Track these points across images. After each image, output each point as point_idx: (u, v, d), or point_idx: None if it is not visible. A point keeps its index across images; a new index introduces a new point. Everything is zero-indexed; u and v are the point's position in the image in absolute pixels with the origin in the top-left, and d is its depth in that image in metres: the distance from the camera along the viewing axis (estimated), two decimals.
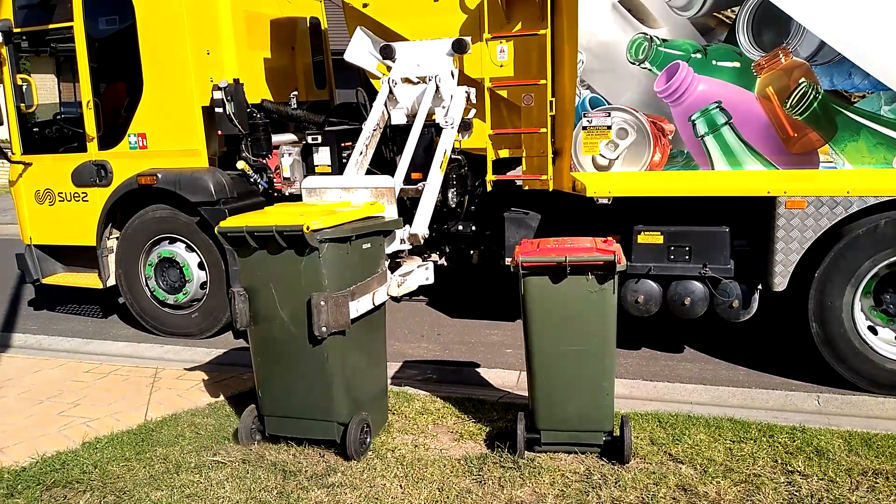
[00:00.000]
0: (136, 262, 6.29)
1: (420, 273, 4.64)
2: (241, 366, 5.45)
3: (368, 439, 3.82)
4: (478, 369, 5.24)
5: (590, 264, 3.51)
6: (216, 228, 3.76)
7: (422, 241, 4.45)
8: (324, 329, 3.51)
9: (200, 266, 6.10)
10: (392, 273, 4.37)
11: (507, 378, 5.00)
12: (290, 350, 3.70)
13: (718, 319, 4.92)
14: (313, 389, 3.70)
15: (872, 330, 4.65)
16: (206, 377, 5.12)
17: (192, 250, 6.10)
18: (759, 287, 4.82)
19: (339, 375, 3.69)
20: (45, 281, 6.84)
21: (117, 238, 6.40)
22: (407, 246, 4.48)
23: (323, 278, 3.55)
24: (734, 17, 4.46)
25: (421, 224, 4.45)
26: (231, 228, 3.66)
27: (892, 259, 4.45)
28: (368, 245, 3.93)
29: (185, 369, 5.31)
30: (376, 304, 3.94)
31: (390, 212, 4.30)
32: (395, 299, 4.45)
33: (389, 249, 4.34)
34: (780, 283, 4.61)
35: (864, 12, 4.23)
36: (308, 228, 3.45)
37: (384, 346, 4.23)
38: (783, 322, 5.67)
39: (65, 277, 6.85)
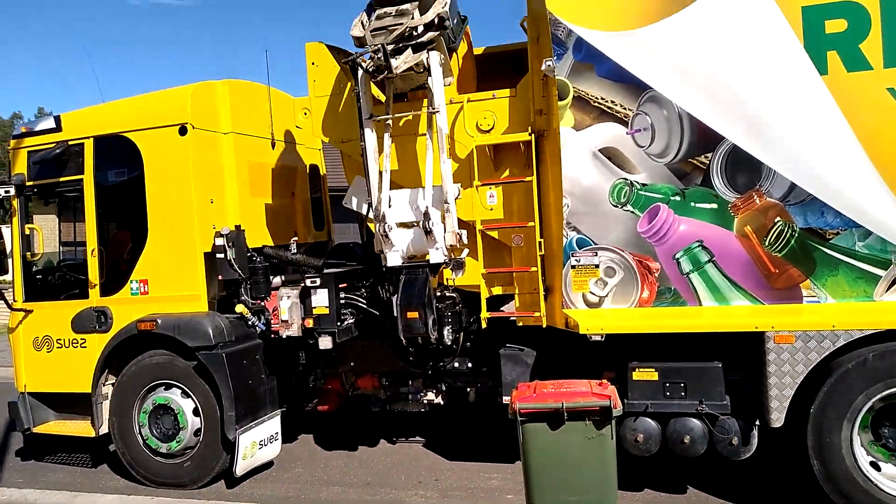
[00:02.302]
0: (130, 410, 6.22)
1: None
2: None
3: None
4: None
5: (587, 410, 3.54)
6: None
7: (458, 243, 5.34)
8: None
9: (195, 412, 6.04)
10: None
11: None
12: None
13: (720, 457, 4.85)
14: None
15: (875, 466, 4.57)
16: None
17: (188, 396, 6.07)
18: (757, 423, 4.79)
19: None
20: (36, 430, 6.72)
21: (113, 384, 6.38)
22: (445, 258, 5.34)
23: None
24: (708, 162, 4.75)
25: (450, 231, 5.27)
26: None
27: (885, 393, 4.47)
28: None
29: None
30: None
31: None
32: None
33: (434, 261, 5.35)
34: (777, 418, 4.59)
35: (830, 155, 4.50)
36: None
37: None
38: (786, 458, 5.57)
39: (57, 426, 6.74)
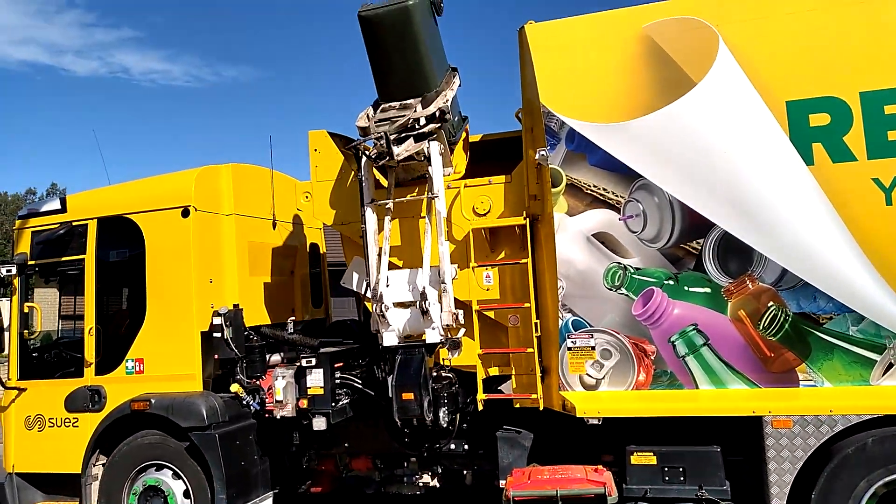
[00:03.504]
0: (119, 491, 6.10)
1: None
2: None
3: None
4: None
5: (582, 497, 3.50)
6: None
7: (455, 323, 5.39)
8: None
9: (186, 495, 5.92)
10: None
11: None
12: None
13: None
14: None
15: None
16: None
17: (179, 477, 5.96)
18: None
19: None
20: None
21: (103, 464, 6.27)
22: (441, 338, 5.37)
23: None
24: (700, 247, 4.84)
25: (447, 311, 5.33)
26: None
27: (887, 479, 4.43)
28: None
29: None
30: None
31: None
32: None
33: (431, 340, 5.40)
34: None
35: (820, 241, 4.60)
36: None
37: None
38: None
39: None
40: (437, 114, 5.25)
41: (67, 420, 6.42)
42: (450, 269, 5.43)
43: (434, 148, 5.36)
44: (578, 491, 3.50)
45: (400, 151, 5.26)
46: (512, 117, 5.81)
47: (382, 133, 5.23)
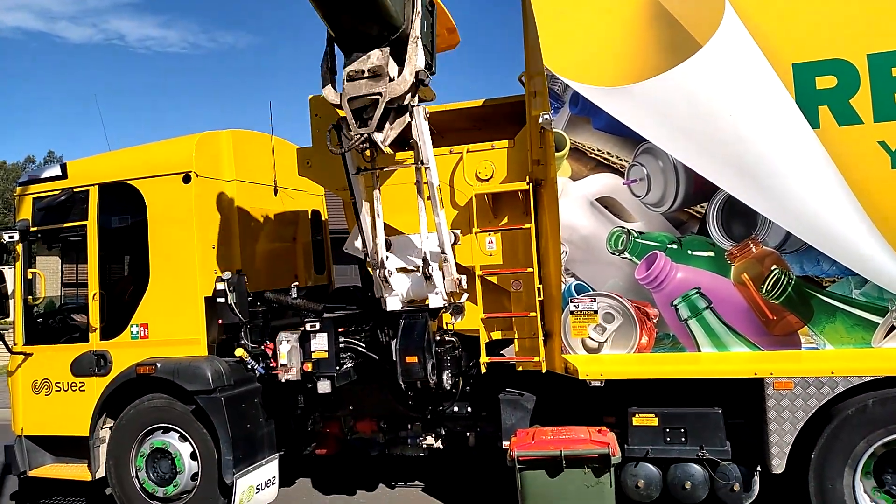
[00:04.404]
0: (127, 453, 6.19)
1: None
2: None
3: None
4: None
5: (585, 457, 3.55)
6: None
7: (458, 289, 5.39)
8: None
9: (193, 456, 6.01)
10: None
11: None
12: None
13: (721, 503, 4.83)
14: None
15: None
16: None
17: (186, 440, 6.05)
18: (759, 469, 4.79)
19: None
20: (32, 474, 6.67)
21: (111, 428, 6.35)
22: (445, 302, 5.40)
23: None
24: (704, 211, 4.84)
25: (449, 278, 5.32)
26: None
27: (887, 439, 4.49)
28: None
29: None
30: None
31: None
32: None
33: (434, 305, 5.40)
34: (779, 465, 4.59)
35: (824, 205, 4.59)
36: None
37: None
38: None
39: (53, 469, 6.69)
40: (415, 81, 4.73)
41: (74, 384, 6.48)
42: (448, 238, 5.41)
43: (419, 114, 5.00)
44: (582, 451, 3.55)
45: (385, 137, 4.87)
46: (515, 81, 5.76)
47: (365, 135, 4.80)
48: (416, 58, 4.81)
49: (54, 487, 7.08)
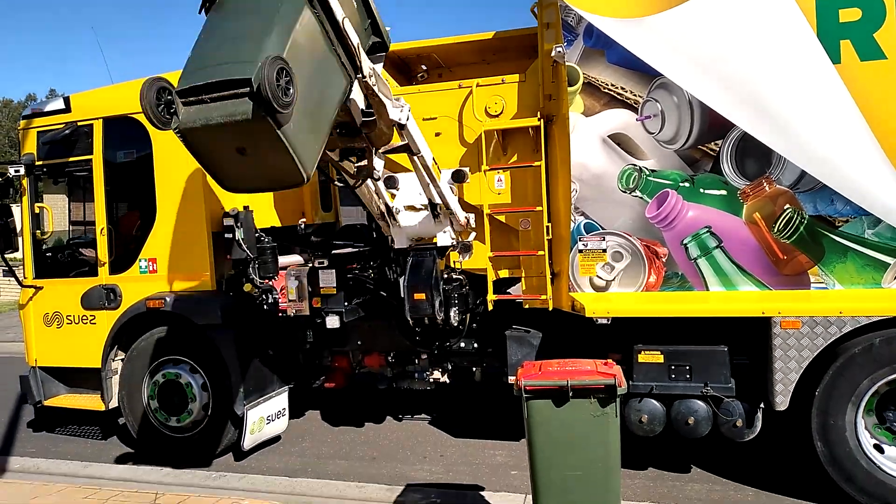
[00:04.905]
0: (139, 384, 6.31)
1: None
2: (240, 490, 5.38)
3: None
4: (482, 492, 5.17)
5: (591, 388, 3.59)
6: None
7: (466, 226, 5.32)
8: None
9: (204, 388, 6.12)
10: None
11: (513, 502, 4.92)
12: None
13: (724, 438, 4.92)
14: None
15: (879, 448, 4.64)
16: (207, 501, 5.03)
17: (197, 372, 6.14)
18: (762, 406, 4.85)
19: None
20: (47, 403, 6.83)
21: (122, 360, 6.46)
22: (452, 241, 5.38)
23: None
24: (718, 149, 4.76)
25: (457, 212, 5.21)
26: None
27: (890, 377, 4.52)
28: None
29: (186, 494, 5.22)
30: None
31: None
32: None
33: (442, 243, 5.35)
34: (782, 402, 4.64)
35: (841, 143, 4.51)
36: None
37: None
38: (789, 440, 5.64)
39: (67, 399, 6.84)
40: (371, 79, 3.85)
41: (84, 317, 6.56)
42: (456, 206, 5.34)
43: (406, 118, 4.36)
44: (588, 381, 3.57)
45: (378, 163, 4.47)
46: (527, 13, 5.59)
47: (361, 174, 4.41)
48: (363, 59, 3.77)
49: (69, 417, 7.27)
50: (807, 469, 5.07)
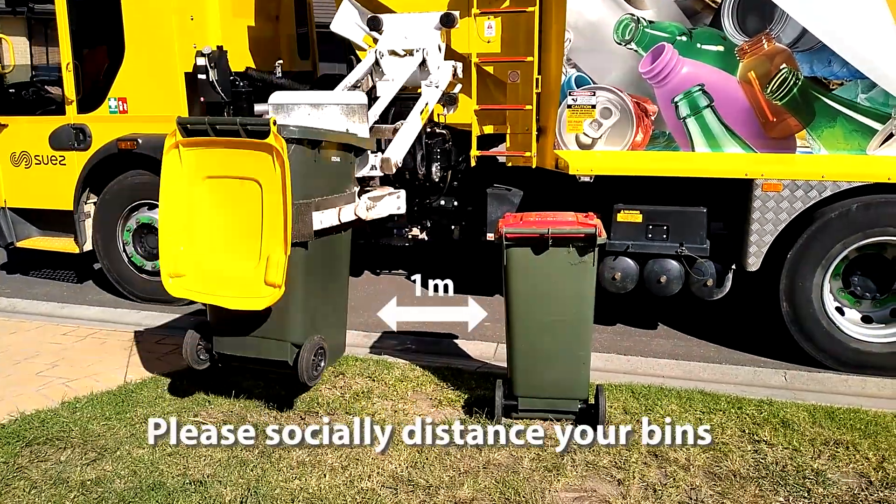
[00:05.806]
0: (113, 228, 6.23)
1: (391, 200, 4.59)
2: None
3: (322, 364, 3.79)
4: (456, 341, 5.32)
5: (571, 237, 3.60)
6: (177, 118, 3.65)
7: (394, 169, 4.31)
8: None
9: None
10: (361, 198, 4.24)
11: (485, 350, 5.09)
12: None
13: (693, 298, 5.05)
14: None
15: (840, 311, 4.81)
16: None
17: None
18: (734, 267, 4.95)
19: (296, 292, 3.60)
20: (19, 245, 6.74)
21: (95, 203, 6.33)
22: (378, 173, 4.42)
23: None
24: (720, 1, 4.54)
25: (395, 151, 4.35)
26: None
27: (861, 242, 4.60)
28: (338, 159, 3.86)
29: (165, 334, 5.30)
30: (342, 220, 3.84)
31: (362, 131, 4.21)
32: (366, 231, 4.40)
33: (360, 173, 4.30)
34: (754, 263, 4.74)
35: (846, 2, 4.33)
36: (274, 123, 3.36)
37: (346, 274, 4.17)
38: (754, 302, 5.82)
39: (40, 241, 6.76)
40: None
41: (54, 157, 6.34)
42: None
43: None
44: (569, 230, 3.58)
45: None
46: None
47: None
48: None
49: (44, 260, 7.23)
50: (769, 329, 5.27)
